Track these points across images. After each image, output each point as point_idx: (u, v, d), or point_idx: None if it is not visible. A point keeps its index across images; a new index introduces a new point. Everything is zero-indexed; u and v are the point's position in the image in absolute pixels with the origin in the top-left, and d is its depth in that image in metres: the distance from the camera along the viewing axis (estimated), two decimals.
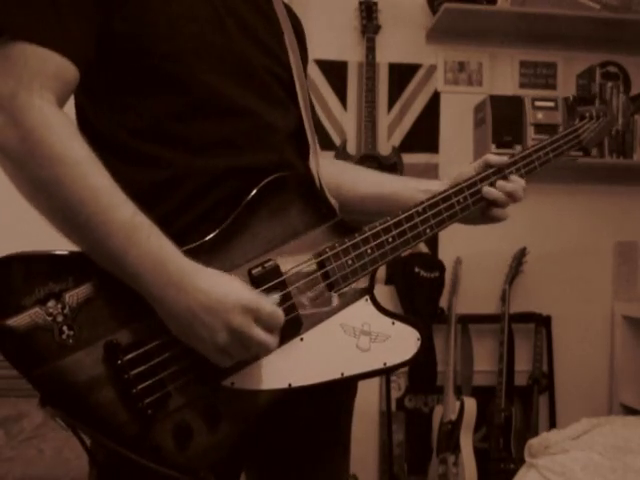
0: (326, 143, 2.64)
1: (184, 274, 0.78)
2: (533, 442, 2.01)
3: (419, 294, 2.63)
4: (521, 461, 2.08)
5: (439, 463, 2.53)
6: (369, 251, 0.95)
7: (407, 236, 0.99)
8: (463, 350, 2.71)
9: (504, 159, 1.09)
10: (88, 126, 0.89)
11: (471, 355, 2.71)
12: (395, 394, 2.67)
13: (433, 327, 2.66)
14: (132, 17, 0.84)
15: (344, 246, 0.93)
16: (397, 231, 0.98)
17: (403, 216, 0.99)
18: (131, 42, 0.85)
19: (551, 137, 1.16)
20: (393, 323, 0.96)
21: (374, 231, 0.96)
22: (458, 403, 2.53)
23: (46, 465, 1.89)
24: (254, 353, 0.82)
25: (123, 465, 0.82)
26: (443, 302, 2.68)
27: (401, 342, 0.96)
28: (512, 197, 1.08)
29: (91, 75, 0.85)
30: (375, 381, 2.65)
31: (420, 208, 1.00)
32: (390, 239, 0.97)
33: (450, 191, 1.04)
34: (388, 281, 2.70)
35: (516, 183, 1.08)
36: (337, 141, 2.68)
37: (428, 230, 1.01)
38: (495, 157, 1.09)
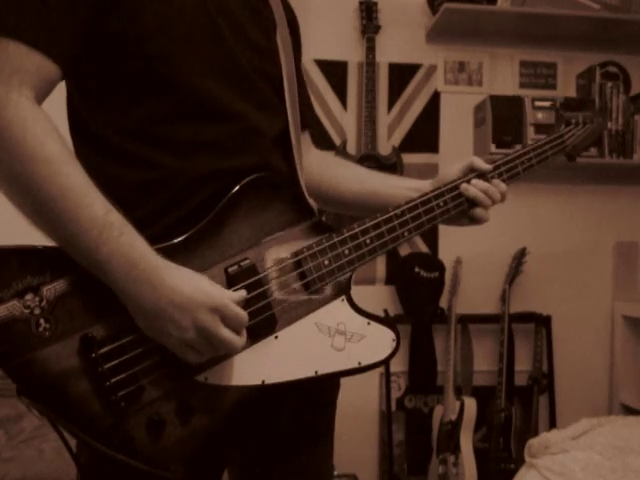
0: (326, 143, 2.64)
1: (154, 272, 0.79)
2: (533, 442, 2.00)
3: (419, 294, 2.63)
4: (521, 461, 2.07)
5: (439, 463, 2.53)
6: (346, 252, 0.96)
7: (385, 238, 1.00)
8: (463, 350, 2.71)
9: (488, 165, 1.09)
10: (79, 124, 0.90)
11: (471, 355, 2.71)
12: (395, 394, 2.66)
13: (433, 327, 2.66)
14: (125, 17, 0.85)
15: (321, 247, 0.95)
16: (375, 233, 0.99)
17: (382, 218, 1.00)
18: (123, 42, 0.86)
19: (536, 142, 1.16)
20: (369, 323, 0.97)
21: (352, 232, 0.97)
22: (458, 403, 2.52)
23: (46, 465, 1.89)
24: (220, 351, 0.82)
25: (105, 465, 0.83)
26: (443, 302, 2.68)
27: (376, 342, 0.97)
28: (489, 196, 1.07)
29: (84, 74, 0.87)
30: (375, 381, 2.65)
31: (399, 211, 1.01)
32: (368, 241, 0.98)
33: (430, 195, 1.05)
34: (388, 281, 2.70)
35: (496, 186, 1.08)
36: (337, 141, 2.68)
37: (406, 233, 1.02)
38: (480, 161, 1.09)
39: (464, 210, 1.08)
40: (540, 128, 2.56)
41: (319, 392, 1.04)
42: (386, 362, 0.98)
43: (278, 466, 1.03)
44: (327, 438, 1.10)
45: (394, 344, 0.98)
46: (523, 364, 2.71)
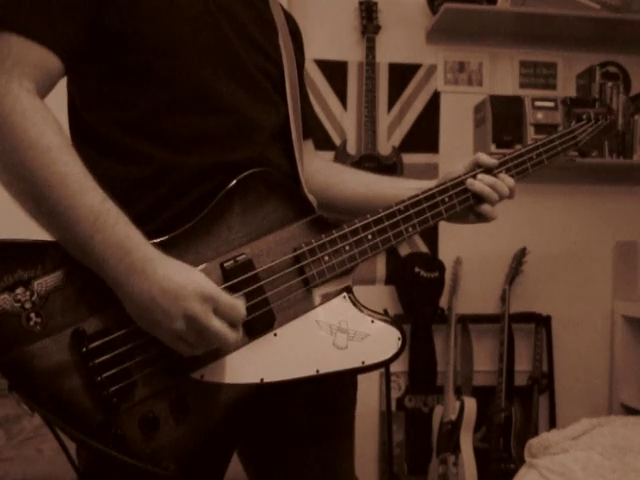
0: (326, 143, 2.64)
1: (147, 261, 0.78)
2: (533, 442, 2.00)
3: (419, 294, 2.63)
4: (521, 461, 2.07)
5: (439, 463, 2.53)
6: (347, 248, 0.94)
7: (388, 234, 0.97)
8: (463, 350, 2.71)
9: (494, 160, 1.05)
10: (79, 120, 0.90)
11: (471, 355, 2.71)
12: (395, 394, 2.67)
13: (433, 327, 2.66)
14: (123, 11, 0.85)
15: (320, 242, 0.93)
16: (377, 228, 0.96)
17: (384, 213, 0.97)
18: (121, 36, 0.86)
19: (545, 138, 1.12)
20: (372, 321, 0.95)
21: (352, 228, 0.95)
22: (458, 403, 2.53)
23: (46, 465, 1.89)
24: (212, 344, 0.81)
25: (102, 465, 0.83)
26: (443, 302, 2.68)
27: (381, 341, 0.94)
28: (495, 190, 1.04)
29: (83, 68, 0.87)
30: (375, 381, 2.65)
31: (402, 206, 0.99)
32: (370, 236, 0.96)
33: (434, 190, 1.02)
34: (388, 281, 2.70)
35: (503, 181, 1.05)
36: (337, 141, 2.68)
37: (410, 229, 0.99)
38: (486, 157, 1.06)
39: (470, 206, 1.05)
40: (540, 128, 2.56)
41: (330, 391, 1.02)
42: (391, 361, 0.95)
43: (293, 463, 1.01)
44: (343, 438, 1.08)
45: (400, 343, 0.95)
46: (523, 364, 2.72)
